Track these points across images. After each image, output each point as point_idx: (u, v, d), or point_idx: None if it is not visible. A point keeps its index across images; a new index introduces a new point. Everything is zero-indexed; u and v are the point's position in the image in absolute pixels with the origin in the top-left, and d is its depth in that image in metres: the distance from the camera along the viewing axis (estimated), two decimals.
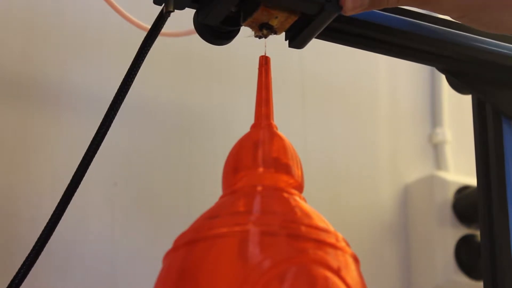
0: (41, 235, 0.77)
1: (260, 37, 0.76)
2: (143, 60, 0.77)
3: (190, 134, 1.22)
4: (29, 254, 0.76)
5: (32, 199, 1.09)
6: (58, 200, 0.97)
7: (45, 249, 1.09)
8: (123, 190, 1.15)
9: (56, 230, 1.10)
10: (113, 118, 0.76)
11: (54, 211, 0.77)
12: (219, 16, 0.75)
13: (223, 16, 0.75)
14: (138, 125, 1.18)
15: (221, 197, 0.75)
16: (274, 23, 0.75)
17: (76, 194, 1.13)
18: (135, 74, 0.76)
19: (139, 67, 0.77)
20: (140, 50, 0.77)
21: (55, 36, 1.16)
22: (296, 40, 0.77)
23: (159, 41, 1.18)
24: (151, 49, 1.23)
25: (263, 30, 0.75)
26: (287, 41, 0.78)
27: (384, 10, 0.83)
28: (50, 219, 0.76)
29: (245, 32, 0.78)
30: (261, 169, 0.74)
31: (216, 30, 0.77)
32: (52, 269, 1.08)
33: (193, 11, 0.78)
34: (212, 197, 0.77)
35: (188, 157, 1.21)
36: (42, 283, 1.07)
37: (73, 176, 0.77)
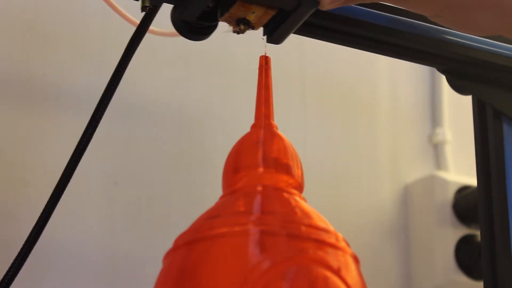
0: (29, 235, 0.77)
1: (238, 33, 0.76)
2: (131, 58, 0.77)
3: (190, 134, 1.22)
4: (18, 254, 0.76)
5: (32, 199, 1.09)
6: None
7: (44, 248, 1.09)
8: (123, 190, 1.15)
9: (56, 229, 1.10)
10: (102, 114, 0.77)
11: (43, 210, 0.77)
12: (196, 11, 0.74)
13: (200, 12, 0.75)
14: (138, 125, 1.18)
15: (221, 197, 0.75)
16: (251, 18, 0.74)
17: (76, 193, 1.14)
18: (123, 71, 0.77)
19: (127, 65, 0.77)
20: (128, 47, 0.77)
21: (55, 36, 1.16)
22: (274, 35, 0.76)
23: (159, 41, 1.18)
24: (151, 49, 1.24)
25: (240, 25, 0.75)
26: (265, 36, 0.77)
27: (383, 9, 0.83)
28: (38, 219, 0.76)
29: (224, 27, 0.77)
30: (261, 169, 0.74)
31: (193, 26, 0.77)
32: (52, 269, 1.08)
33: None
34: (212, 197, 0.77)
35: (188, 157, 1.21)
36: (42, 283, 1.07)
37: (62, 175, 0.77)
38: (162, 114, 1.20)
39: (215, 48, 1.26)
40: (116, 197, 1.14)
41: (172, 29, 1.06)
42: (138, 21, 1.04)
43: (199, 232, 0.70)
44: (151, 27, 0.95)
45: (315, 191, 1.24)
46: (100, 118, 0.76)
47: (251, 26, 0.75)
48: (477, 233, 1.31)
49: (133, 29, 1.06)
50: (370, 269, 1.12)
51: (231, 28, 0.76)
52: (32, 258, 1.07)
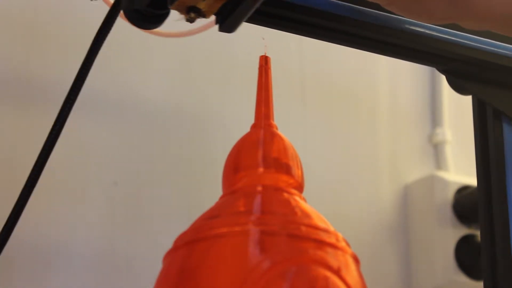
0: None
1: (189, 21, 0.72)
2: (98, 51, 0.76)
3: (190, 134, 1.22)
4: None
5: (31, 200, 1.08)
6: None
7: (45, 248, 1.09)
8: (123, 190, 1.15)
9: (56, 229, 1.10)
10: (70, 109, 0.76)
11: (13, 209, 0.77)
12: None
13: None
14: (138, 124, 1.18)
15: (221, 197, 0.75)
16: (202, 6, 0.71)
17: (76, 193, 1.14)
18: (91, 64, 0.76)
19: (95, 56, 0.76)
20: (94, 40, 0.77)
21: (55, 36, 1.16)
22: (226, 23, 0.73)
23: (158, 41, 1.18)
24: (151, 49, 1.24)
25: (191, 13, 0.72)
26: (218, 25, 0.74)
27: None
28: (7, 220, 0.76)
29: (178, 16, 0.75)
30: (261, 169, 0.74)
31: (145, 14, 0.75)
32: (52, 269, 1.08)
33: None
34: (212, 197, 0.77)
35: (188, 157, 1.21)
36: (42, 282, 1.07)
37: (30, 174, 0.77)
38: (162, 114, 1.20)
39: (215, 48, 1.26)
40: (116, 197, 1.14)
41: (172, 30, 1.06)
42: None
43: (199, 232, 0.70)
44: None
45: (315, 191, 1.24)
46: (69, 111, 0.76)
47: (202, 14, 0.72)
48: (477, 233, 1.31)
49: (132, 29, 1.06)
50: (370, 269, 1.12)
51: (182, 16, 0.73)
52: (32, 258, 1.07)
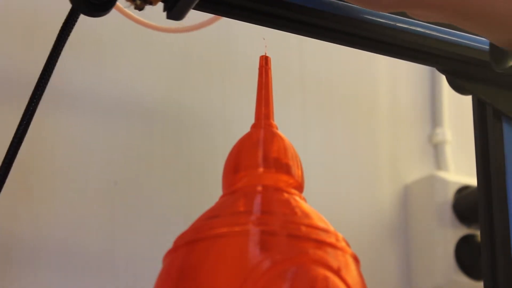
0: None
1: (138, 9, 0.71)
2: (63, 45, 0.76)
3: (190, 134, 1.22)
4: None
5: (31, 199, 1.09)
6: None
7: (44, 248, 1.09)
8: (123, 190, 1.15)
9: (55, 229, 1.10)
10: (36, 107, 0.76)
11: None
12: None
13: None
14: (138, 124, 1.18)
15: (221, 197, 0.75)
16: None
17: (76, 193, 1.13)
18: (56, 59, 0.76)
19: (60, 52, 0.76)
20: (59, 35, 0.77)
21: (55, 36, 1.15)
22: (173, 11, 0.72)
23: (158, 40, 1.18)
24: (151, 48, 1.24)
25: (136, 0, 0.70)
26: (165, 12, 0.73)
27: None
28: None
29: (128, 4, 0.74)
30: (261, 169, 0.74)
31: (91, 2, 0.74)
32: (52, 268, 1.08)
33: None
34: (212, 197, 0.77)
35: (188, 157, 1.21)
36: (42, 282, 1.07)
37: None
38: (162, 114, 1.20)
39: (215, 48, 1.26)
40: (116, 197, 1.14)
41: (172, 25, 1.06)
42: (139, 18, 1.04)
43: (199, 232, 0.70)
44: (151, 23, 0.94)
45: (315, 191, 1.24)
46: (35, 109, 0.76)
47: (148, 1, 0.70)
48: (477, 233, 1.31)
49: (133, 28, 1.06)
50: (370, 269, 1.12)
51: (129, 3, 0.72)
52: (32, 257, 1.07)
